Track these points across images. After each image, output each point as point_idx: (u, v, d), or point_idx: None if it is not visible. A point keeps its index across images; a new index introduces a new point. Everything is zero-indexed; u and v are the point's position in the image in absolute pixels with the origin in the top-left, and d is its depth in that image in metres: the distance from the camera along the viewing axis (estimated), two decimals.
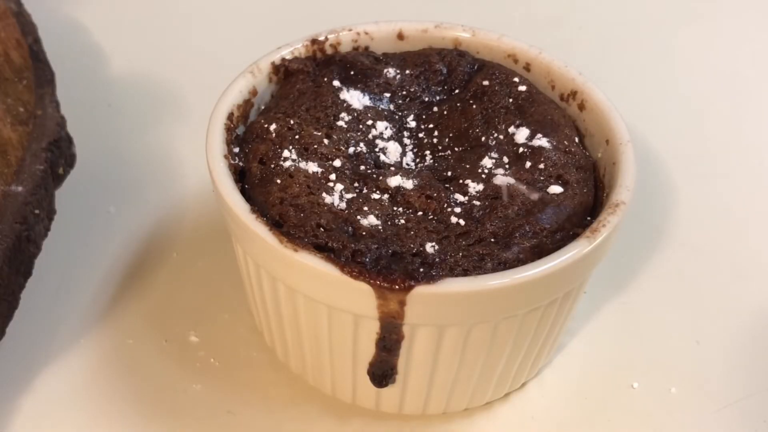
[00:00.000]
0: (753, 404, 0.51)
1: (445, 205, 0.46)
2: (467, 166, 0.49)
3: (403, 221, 0.45)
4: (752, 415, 0.51)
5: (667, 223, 0.63)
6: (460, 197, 0.47)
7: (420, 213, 0.46)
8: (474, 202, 0.46)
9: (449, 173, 0.49)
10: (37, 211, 0.51)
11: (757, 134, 0.71)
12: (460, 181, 0.48)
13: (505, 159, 0.49)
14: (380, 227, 0.44)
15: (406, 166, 0.50)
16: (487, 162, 0.49)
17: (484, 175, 0.48)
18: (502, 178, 0.47)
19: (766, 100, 0.75)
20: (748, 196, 0.65)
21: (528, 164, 0.48)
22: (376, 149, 0.50)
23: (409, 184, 0.47)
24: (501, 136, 0.50)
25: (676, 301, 0.57)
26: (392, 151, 0.50)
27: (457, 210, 0.46)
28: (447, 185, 0.48)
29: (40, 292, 0.55)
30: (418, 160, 0.51)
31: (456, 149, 0.51)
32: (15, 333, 0.51)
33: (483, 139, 0.51)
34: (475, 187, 0.47)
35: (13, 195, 0.51)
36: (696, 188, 0.65)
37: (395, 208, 0.46)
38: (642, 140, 0.63)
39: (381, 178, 0.47)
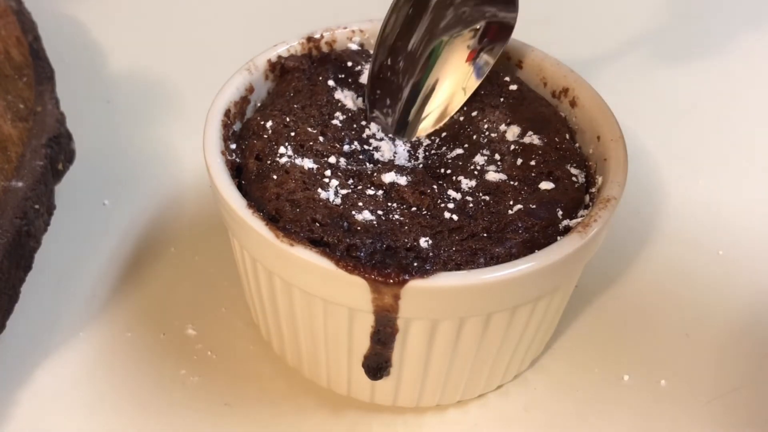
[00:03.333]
0: (742, 397, 0.52)
1: (439, 201, 0.46)
2: (460, 164, 0.50)
3: (397, 216, 0.46)
4: (741, 408, 0.51)
5: (658, 218, 0.63)
6: (453, 193, 0.47)
7: (414, 208, 0.46)
8: (467, 197, 0.47)
9: (442, 170, 0.49)
10: (37, 206, 0.52)
11: (746, 130, 0.72)
12: (453, 178, 0.48)
13: (497, 156, 0.50)
14: (375, 222, 0.45)
15: (400, 164, 0.50)
16: (479, 159, 0.49)
17: (476, 172, 0.49)
18: (494, 175, 0.48)
19: (754, 97, 0.75)
20: (737, 191, 0.66)
21: (519, 161, 0.49)
22: (370, 148, 0.51)
23: (403, 180, 0.47)
24: (493, 135, 0.51)
25: (666, 295, 0.58)
26: (386, 150, 0.51)
27: (450, 205, 0.46)
28: (440, 182, 0.48)
29: (40, 286, 0.56)
30: (411, 158, 0.51)
31: (448, 148, 0.51)
32: (15, 326, 0.52)
33: (474, 137, 0.51)
34: (467, 184, 0.48)
35: (13, 190, 0.51)
36: (686, 183, 0.66)
37: (389, 204, 0.46)
38: (633, 136, 0.63)
39: (375, 174, 0.48)
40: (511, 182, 0.48)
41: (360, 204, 0.46)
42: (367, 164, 0.49)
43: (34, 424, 0.49)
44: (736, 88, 0.76)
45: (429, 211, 0.46)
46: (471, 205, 0.46)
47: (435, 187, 0.47)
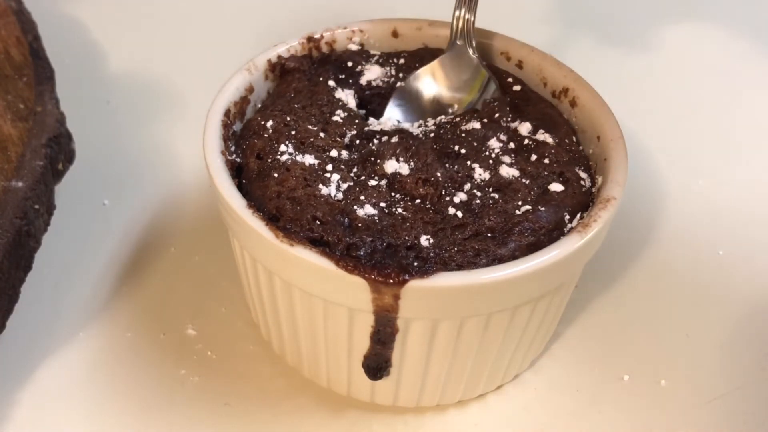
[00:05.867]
0: (742, 397, 0.52)
1: (444, 193, 0.46)
2: (474, 144, 0.49)
3: (400, 210, 0.45)
4: (741, 408, 0.51)
5: (658, 218, 0.63)
6: (461, 188, 0.47)
7: (418, 200, 0.46)
8: (475, 191, 0.46)
9: (455, 147, 0.49)
10: (36, 206, 0.52)
11: (746, 130, 0.72)
12: (467, 162, 0.48)
13: (512, 145, 0.49)
14: (376, 218, 0.44)
15: (406, 128, 0.50)
16: (494, 143, 0.49)
17: (491, 161, 0.48)
18: (507, 169, 0.47)
19: (754, 97, 0.75)
20: (736, 191, 0.66)
21: (534, 157, 0.48)
22: (373, 138, 0.50)
23: (405, 169, 0.47)
24: (504, 129, 0.50)
25: (666, 295, 0.58)
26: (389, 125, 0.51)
27: (456, 200, 0.46)
28: (447, 164, 0.47)
29: (40, 286, 0.56)
30: (422, 126, 0.51)
31: (463, 119, 0.51)
32: (15, 326, 0.51)
33: (488, 120, 0.51)
34: (480, 175, 0.47)
35: (13, 190, 0.51)
36: (686, 183, 0.66)
37: (393, 194, 0.46)
38: (633, 136, 0.63)
39: (378, 162, 0.47)
40: (523, 179, 0.47)
41: (362, 198, 0.45)
42: (374, 141, 0.49)
43: (34, 424, 0.49)
44: (737, 87, 0.76)
45: (433, 206, 0.46)
46: (478, 201, 0.46)
47: (438, 174, 0.47)
